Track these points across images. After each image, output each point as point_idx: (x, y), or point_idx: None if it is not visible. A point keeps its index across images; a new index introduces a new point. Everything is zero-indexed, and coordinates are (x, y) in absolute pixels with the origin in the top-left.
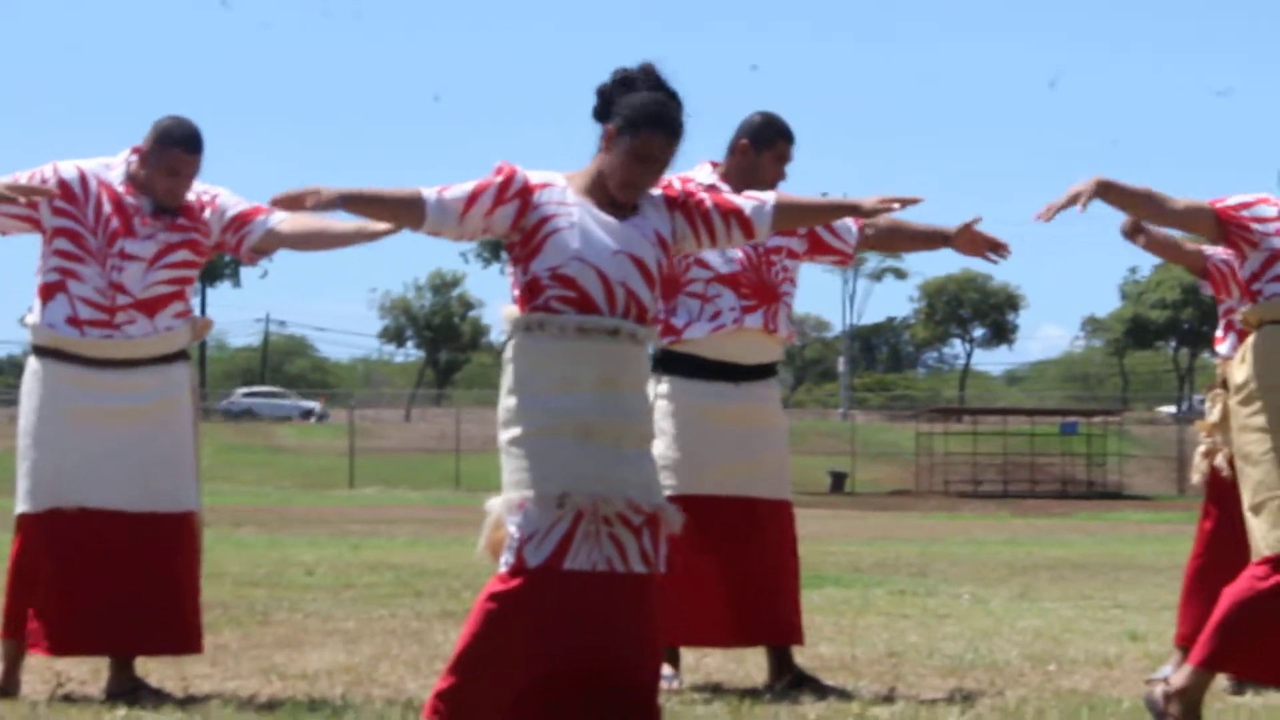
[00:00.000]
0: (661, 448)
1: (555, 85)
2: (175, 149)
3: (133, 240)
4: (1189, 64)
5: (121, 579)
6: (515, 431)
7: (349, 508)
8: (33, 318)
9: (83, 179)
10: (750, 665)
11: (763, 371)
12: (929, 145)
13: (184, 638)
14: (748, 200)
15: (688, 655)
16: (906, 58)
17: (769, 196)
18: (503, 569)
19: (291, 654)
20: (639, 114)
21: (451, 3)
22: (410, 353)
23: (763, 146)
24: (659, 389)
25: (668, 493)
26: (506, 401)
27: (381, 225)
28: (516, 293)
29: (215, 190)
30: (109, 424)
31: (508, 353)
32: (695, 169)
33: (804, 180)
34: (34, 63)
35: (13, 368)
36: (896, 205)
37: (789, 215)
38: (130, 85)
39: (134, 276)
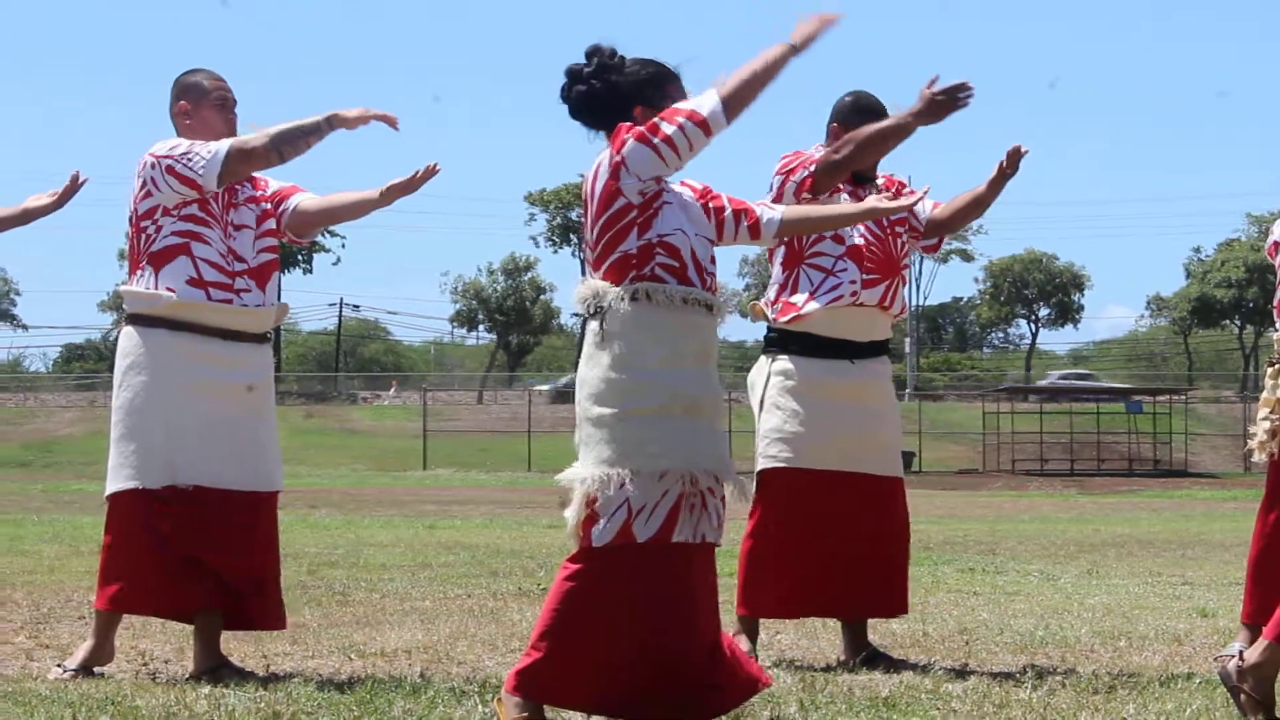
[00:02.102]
0: (777, 422)
1: (555, 85)
2: (211, 82)
3: (236, 209)
4: (1189, 64)
5: (231, 556)
6: (622, 406)
7: (422, 489)
8: (140, 285)
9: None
10: (823, 642)
11: (877, 348)
12: (928, 145)
13: (278, 615)
14: (761, 206)
15: (760, 631)
16: (907, 56)
17: (779, 209)
18: (600, 542)
19: (370, 633)
20: None
21: (451, 2)
22: (482, 336)
23: (852, 127)
24: (775, 366)
25: (783, 465)
26: (610, 375)
27: (394, 187)
28: (611, 260)
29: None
30: (219, 400)
31: (608, 325)
32: (810, 150)
33: None
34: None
35: (93, 353)
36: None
37: (798, 226)
38: (130, 85)
39: (245, 244)
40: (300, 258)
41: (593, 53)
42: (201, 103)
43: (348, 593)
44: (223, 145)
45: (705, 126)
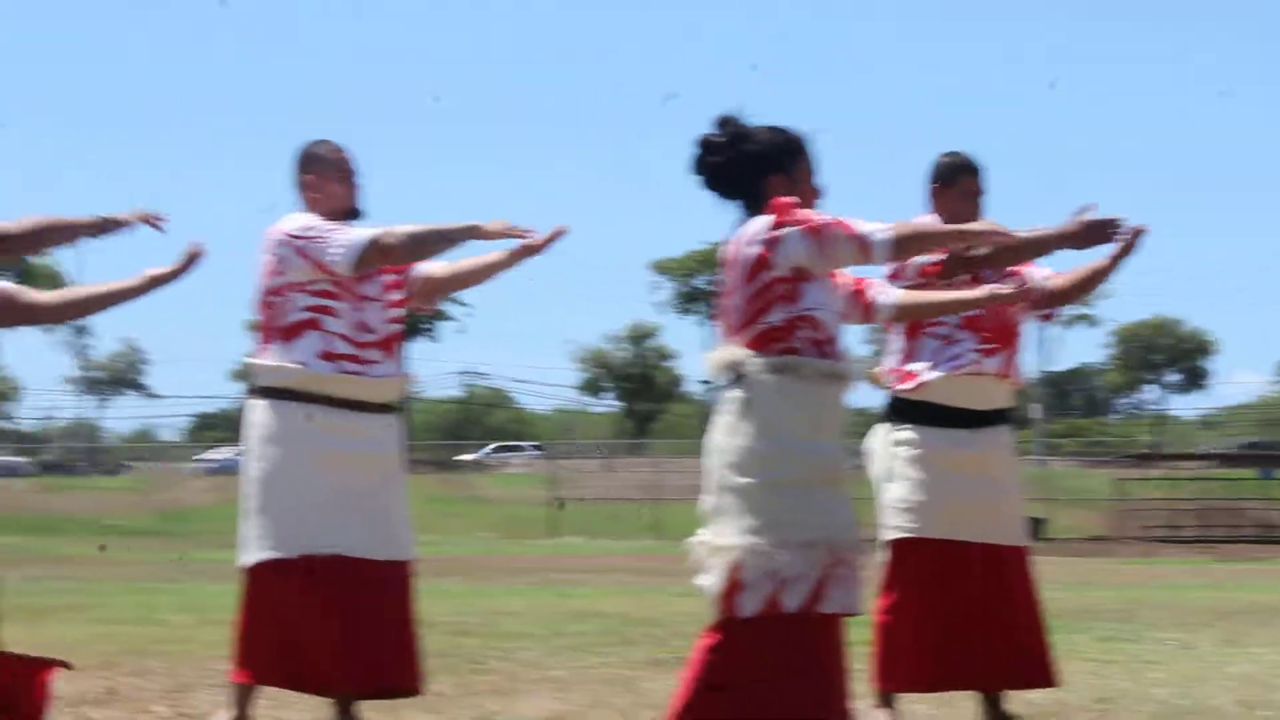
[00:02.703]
0: (903, 492)
1: (555, 86)
2: (334, 154)
3: (365, 281)
4: (1189, 64)
5: (369, 624)
6: (765, 476)
7: (551, 556)
8: (268, 359)
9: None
10: (961, 710)
11: (998, 417)
12: (933, 146)
13: (415, 679)
14: (875, 289)
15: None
16: (907, 56)
17: (894, 295)
18: (746, 613)
19: (506, 701)
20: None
21: (452, 2)
22: (608, 403)
23: (948, 186)
24: (896, 435)
25: (910, 535)
26: (753, 446)
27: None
28: (755, 330)
29: None
30: (351, 470)
31: (750, 394)
32: (918, 217)
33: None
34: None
35: (222, 421)
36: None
37: (912, 313)
38: (128, 85)
39: (374, 315)
40: (424, 326)
41: (724, 122)
42: (326, 175)
43: (482, 661)
44: (361, 237)
45: (867, 254)
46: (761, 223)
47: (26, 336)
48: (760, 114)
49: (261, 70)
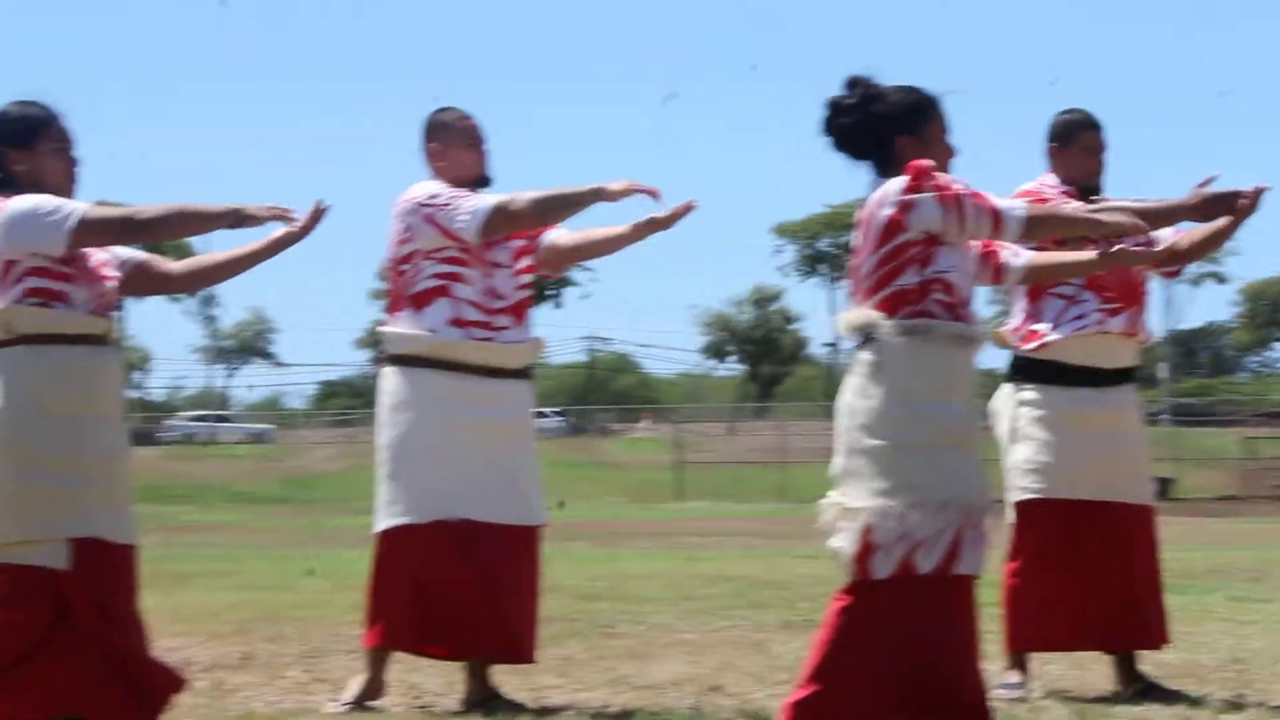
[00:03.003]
0: (1029, 452)
1: (556, 85)
2: (460, 121)
3: (494, 247)
4: (1189, 63)
5: (494, 589)
6: (898, 437)
7: (677, 521)
8: (400, 326)
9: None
10: (1093, 673)
11: (1123, 376)
12: (689, 184)
13: (531, 647)
14: (1005, 250)
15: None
16: (905, 58)
17: (1023, 255)
18: (880, 575)
19: (638, 665)
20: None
21: (452, 2)
22: (732, 367)
23: (1067, 144)
24: (1022, 395)
25: (1034, 496)
26: (885, 408)
27: (648, 223)
28: (886, 292)
29: None
30: (483, 436)
31: (881, 356)
32: (1042, 177)
33: (812, 182)
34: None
35: (347, 389)
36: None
37: (1040, 274)
38: (126, 86)
39: (504, 281)
40: (550, 292)
41: (853, 83)
42: (452, 143)
43: (613, 625)
44: (487, 203)
45: (998, 229)
46: (896, 185)
47: (155, 307)
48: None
49: (260, 69)
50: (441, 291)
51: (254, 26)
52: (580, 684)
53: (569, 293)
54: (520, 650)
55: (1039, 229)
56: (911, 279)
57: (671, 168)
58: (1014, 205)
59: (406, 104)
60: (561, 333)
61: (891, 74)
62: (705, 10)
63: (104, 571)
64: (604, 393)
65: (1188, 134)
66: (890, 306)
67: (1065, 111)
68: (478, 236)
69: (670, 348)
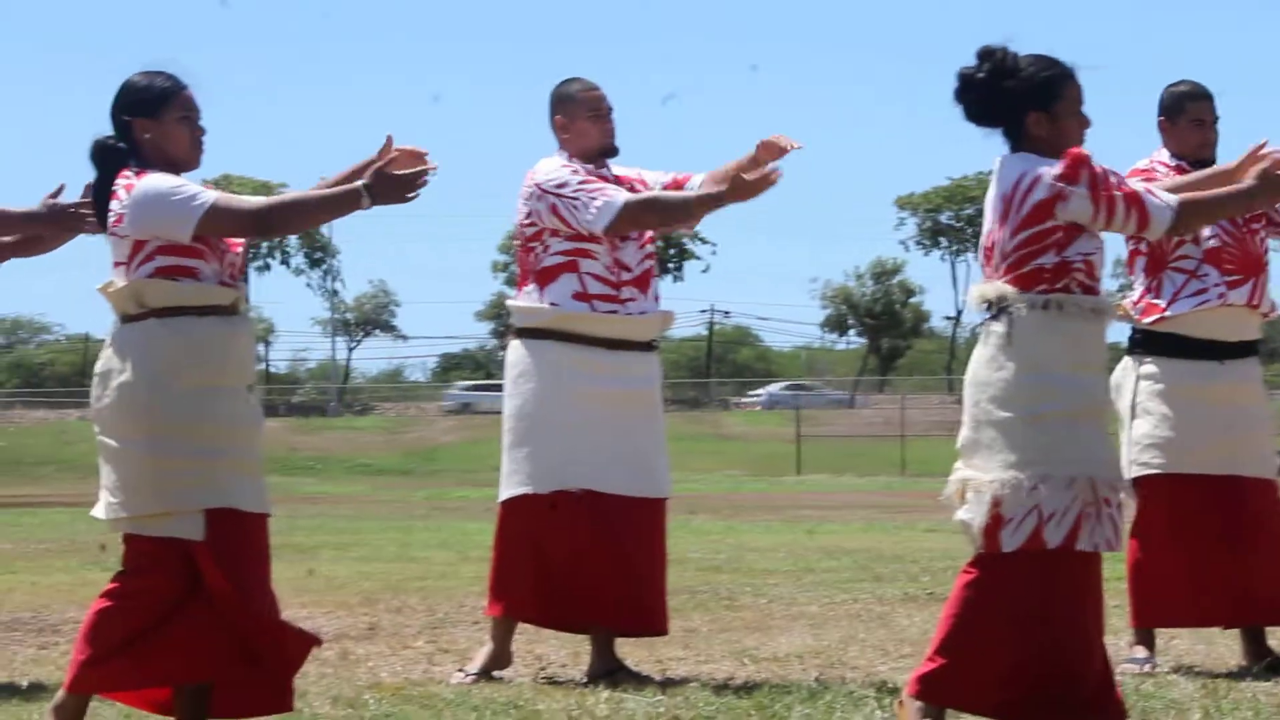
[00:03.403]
0: (1148, 427)
1: (801, 22)
2: (585, 93)
3: None
4: (1188, 64)
5: (619, 561)
6: (1030, 409)
7: (797, 494)
8: (525, 300)
9: (575, 170)
10: (1220, 648)
11: (1246, 349)
12: (810, 157)
13: (663, 618)
14: (1151, 197)
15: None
16: (785, 70)
17: (1172, 199)
18: (1009, 547)
19: (760, 638)
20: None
21: (452, 2)
22: (852, 341)
23: (1176, 117)
24: (1143, 369)
25: (1155, 471)
26: (1018, 379)
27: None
28: (1025, 270)
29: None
30: (607, 408)
31: (1015, 329)
32: (1155, 153)
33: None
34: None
35: (469, 362)
36: None
37: (1192, 218)
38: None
39: (630, 252)
40: (671, 265)
41: (985, 54)
42: (576, 115)
43: (734, 598)
44: (614, 203)
45: (1146, 225)
46: (1050, 171)
47: (279, 279)
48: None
49: (260, 69)
50: (569, 267)
51: None
52: (704, 656)
53: (689, 266)
54: (651, 622)
55: (1191, 221)
56: (1050, 260)
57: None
58: (1164, 202)
59: (530, 75)
60: (681, 306)
61: (1026, 43)
62: None
63: (237, 540)
64: (724, 366)
65: None
66: (1026, 282)
67: (1174, 84)
68: (606, 233)
69: (790, 321)
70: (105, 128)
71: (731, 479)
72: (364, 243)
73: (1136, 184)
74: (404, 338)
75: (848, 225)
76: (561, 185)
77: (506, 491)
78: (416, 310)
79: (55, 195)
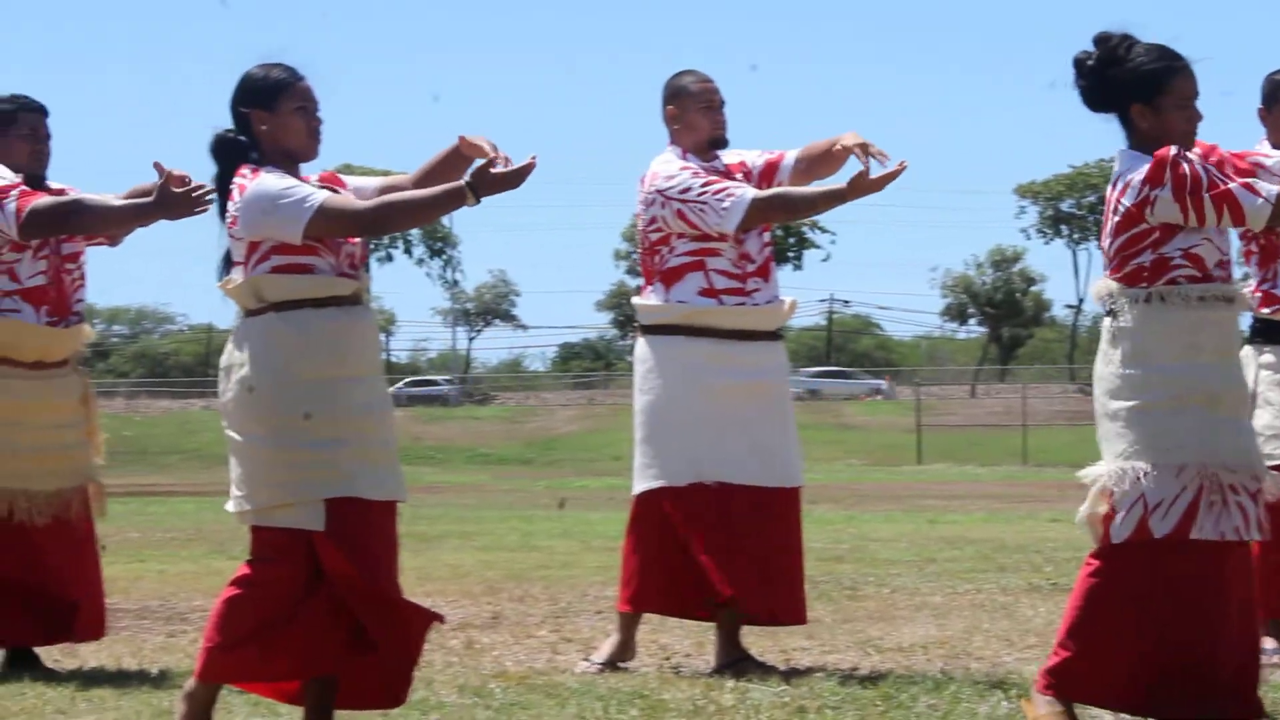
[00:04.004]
0: (1269, 417)
1: (555, 85)
2: (698, 85)
3: None
4: (1054, 53)
5: (751, 551)
6: (1135, 401)
7: (918, 483)
8: (651, 299)
9: (694, 170)
10: None
11: None
12: (929, 146)
13: (799, 609)
14: (1242, 189)
15: None
16: (905, 59)
17: (1270, 189)
18: (1117, 538)
19: (885, 628)
20: None
21: (452, 2)
22: (972, 330)
23: (1273, 105)
24: (1262, 359)
25: (1273, 463)
26: (1123, 371)
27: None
28: (1126, 269)
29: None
30: (738, 400)
31: (1120, 323)
32: (1258, 145)
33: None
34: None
35: (589, 352)
36: None
37: None
38: (126, 86)
39: (754, 243)
40: (790, 255)
41: (1099, 41)
42: (689, 107)
43: (857, 588)
44: (743, 198)
45: (1240, 219)
46: (1139, 174)
47: (400, 269)
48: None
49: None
50: (695, 266)
51: None
52: (828, 646)
53: (809, 255)
54: (790, 611)
55: None
56: (1148, 257)
57: (915, 128)
58: (1257, 196)
59: (644, 70)
60: (801, 295)
61: (1149, 30)
62: None
63: (360, 528)
64: (844, 355)
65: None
66: (1129, 279)
67: (1274, 72)
68: (735, 231)
69: (910, 310)
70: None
71: (851, 469)
72: (484, 233)
73: (1232, 178)
74: (524, 327)
75: (968, 214)
76: (685, 190)
77: (640, 485)
78: (536, 300)
79: (167, 181)
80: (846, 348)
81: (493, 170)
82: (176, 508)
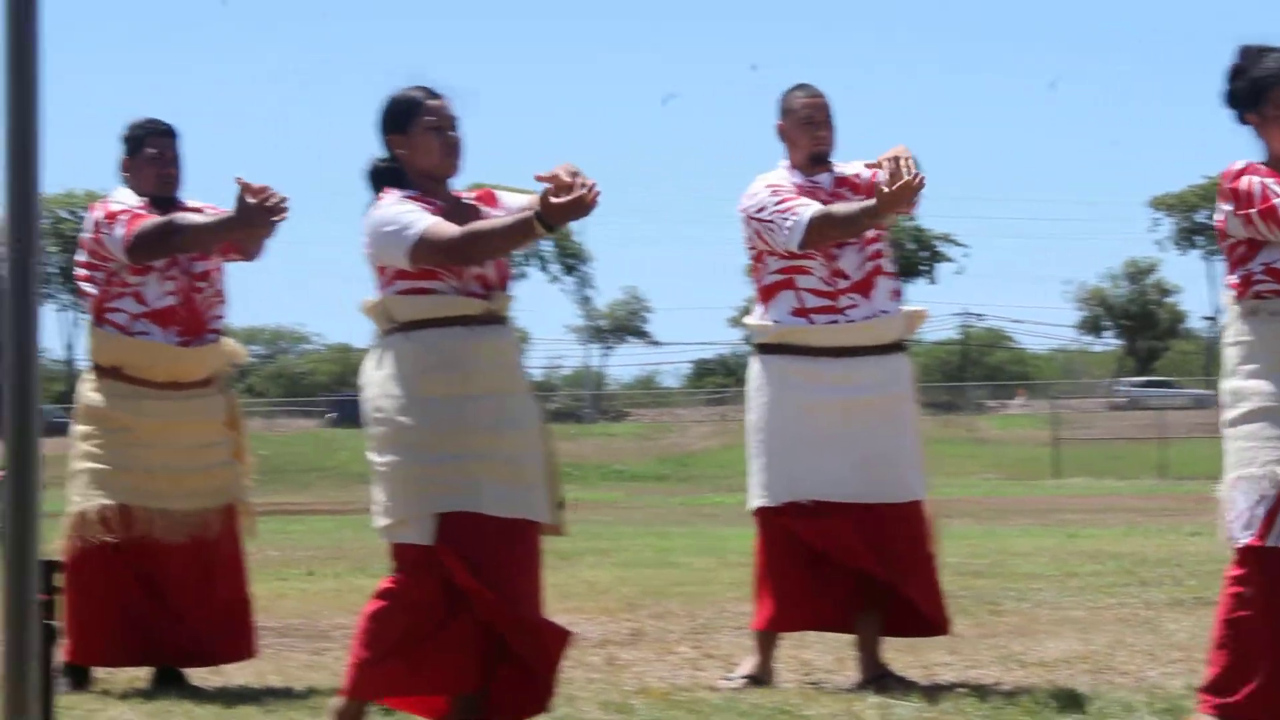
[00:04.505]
0: None
1: (555, 84)
2: (802, 100)
3: None
4: (1004, 60)
5: (877, 564)
6: (1238, 412)
7: (1056, 497)
8: (754, 318)
9: (774, 188)
10: None
11: None
12: (928, 147)
13: (938, 616)
14: None
15: None
16: (905, 59)
17: None
18: (1242, 549)
19: (1027, 643)
20: None
21: (452, 3)
22: (1108, 342)
23: None
24: None
25: None
26: (1231, 383)
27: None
28: (1228, 280)
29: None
30: (837, 417)
31: (1227, 336)
32: None
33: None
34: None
35: (721, 368)
36: None
37: None
38: (129, 87)
39: (850, 260)
40: (923, 268)
41: (1239, 52)
42: (792, 123)
43: (998, 602)
44: (802, 218)
45: None
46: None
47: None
48: None
49: (259, 70)
50: (786, 284)
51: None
52: (970, 661)
53: (942, 268)
54: (930, 622)
55: None
56: (1240, 272)
57: (1050, 141)
58: None
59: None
60: (935, 309)
61: None
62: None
63: (480, 544)
64: (978, 369)
65: (1187, 133)
66: (1232, 292)
67: None
68: (799, 248)
69: (1044, 323)
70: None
71: (987, 483)
72: (617, 249)
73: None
74: (656, 344)
75: (1101, 225)
76: (761, 209)
77: (750, 502)
78: (669, 316)
79: (244, 193)
80: (981, 361)
81: (553, 200)
82: (316, 526)
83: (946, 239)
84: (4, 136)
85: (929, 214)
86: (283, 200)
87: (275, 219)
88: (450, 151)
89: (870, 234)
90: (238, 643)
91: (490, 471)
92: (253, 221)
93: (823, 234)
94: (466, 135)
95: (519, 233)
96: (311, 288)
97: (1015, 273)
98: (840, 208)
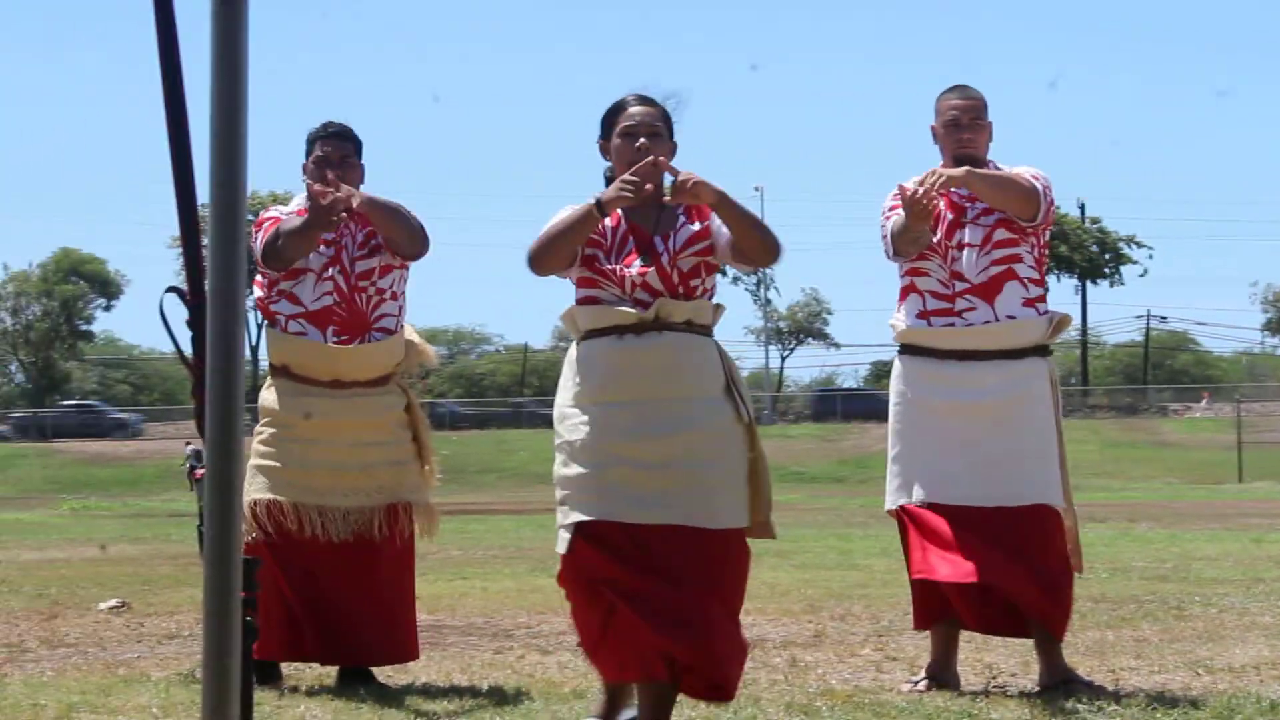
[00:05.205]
0: None
1: (555, 84)
2: (947, 102)
3: (962, 228)
4: (1189, 64)
5: (987, 569)
6: None
7: (1241, 502)
8: (893, 319)
9: (895, 194)
10: None
11: None
12: (1249, 161)
13: (1052, 618)
14: None
15: None
16: (905, 58)
17: None
18: None
19: (1215, 648)
20: None
21: (451, 3)
22: None
23: None
24: None
25: None
26: None
27: None
28: None
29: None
30: (956, 420)
31: None
32: None
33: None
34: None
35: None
36: None
37: None
38: (129, 87)
39: (969, 263)
40: (1108, 270)
41: None
42: (938, 125)
43: (1183, 607)
44: (887, 228)
45: None
46: None
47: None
48: None
49: (259, 70)
50: (911, 287)
51: None
52: (1156, 666)
53: (1127, 270)
54: (1046, 622)
55: None
56: None
57: (1235, 143)
58: None
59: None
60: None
61: None
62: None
63: (618, 550)
64: (1161, 372)
65: (1187, 133)
66: None
67: None
68: (892, 260)
69: (1229, 325)
70: None
71: (1170, 487)
72: (797, 250)
73: None
74: (836, 345)
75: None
76: (883, 214)
77: (887, 502)
78: (849, 318)
79: (312, 194)
80: (1164, 364)
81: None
82: (496, 525)
83: (1131, 241)
84: (210, 139)
85: (1113, 216)
86: (338, 200)
87: (335, 217)
88: (641, 155)
89: (1000, 236)
90: (396, 644)
91: (630, 480)
92: (319, 221)
93: (899, 245)
94: (659, 142)
95: (579, 222)
96: (493, 289)
97: (1200, 275)
98: (896, 220)
